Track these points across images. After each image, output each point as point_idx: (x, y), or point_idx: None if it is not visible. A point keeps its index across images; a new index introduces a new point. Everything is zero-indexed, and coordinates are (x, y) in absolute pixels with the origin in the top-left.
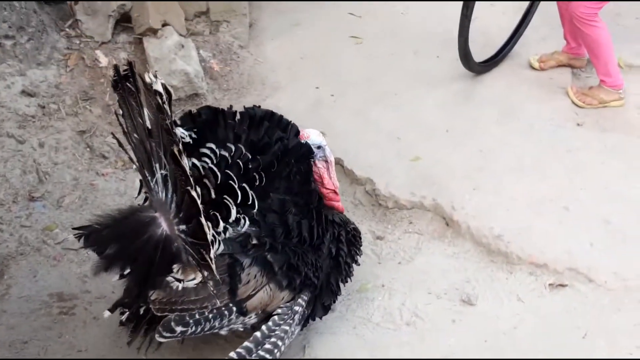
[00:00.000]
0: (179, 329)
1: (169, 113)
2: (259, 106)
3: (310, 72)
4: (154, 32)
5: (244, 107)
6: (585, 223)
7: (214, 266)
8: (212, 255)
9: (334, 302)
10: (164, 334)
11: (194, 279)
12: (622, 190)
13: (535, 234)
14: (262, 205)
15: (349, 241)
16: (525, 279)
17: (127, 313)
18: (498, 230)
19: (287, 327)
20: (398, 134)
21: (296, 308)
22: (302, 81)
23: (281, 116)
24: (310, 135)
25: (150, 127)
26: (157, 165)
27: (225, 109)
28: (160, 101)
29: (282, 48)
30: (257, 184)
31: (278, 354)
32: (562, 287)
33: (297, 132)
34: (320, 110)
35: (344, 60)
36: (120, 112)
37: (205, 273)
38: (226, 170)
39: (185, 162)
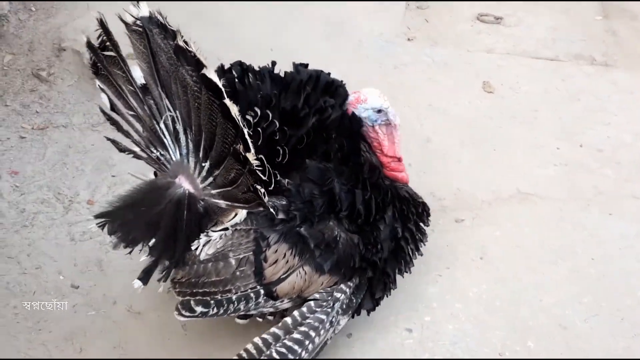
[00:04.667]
0: (199, 309)
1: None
2: (307, 65)
3: None
4: None
5: (293, 63)
6: (407, 142)
7: (262, 190)
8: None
9: (387, 296)
10: (183, 312)
11: (235, 216)
12: (444, 108)
13: None
14: (295, 176)
15: (416, 222)
16: None
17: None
18: None
19: (324, 316)
20: (218, 54)
21: (337, 295)
22: None
23: (331, 80)
24: (368, 97)
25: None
26: (166, 114)
27: (260, 67)
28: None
29: None
30: (279, 159)
31: (310, 346)
32: None
33: (345, 99)
34: None
35: None
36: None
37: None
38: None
39: (218, 81)
